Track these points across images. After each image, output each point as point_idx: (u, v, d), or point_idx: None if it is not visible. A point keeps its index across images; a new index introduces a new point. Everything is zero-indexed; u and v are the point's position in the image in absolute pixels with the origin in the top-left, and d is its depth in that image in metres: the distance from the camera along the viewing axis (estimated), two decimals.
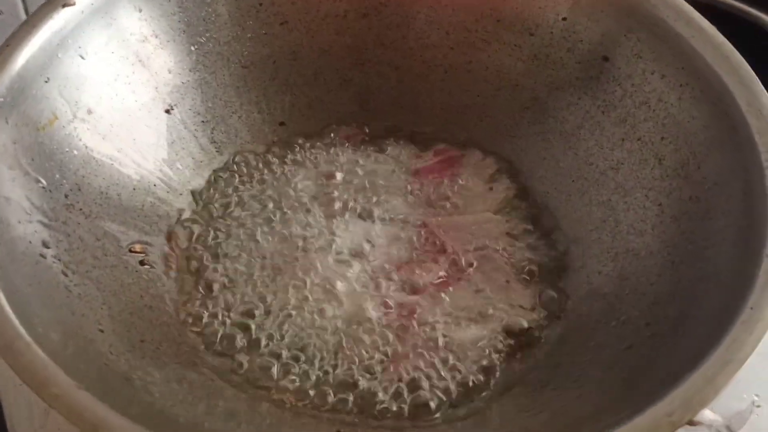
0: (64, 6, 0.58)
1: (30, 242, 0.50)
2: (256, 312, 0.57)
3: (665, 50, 0.60)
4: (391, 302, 0.58)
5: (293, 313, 0.57)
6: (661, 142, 0.59)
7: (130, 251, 0.57)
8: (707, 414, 0.57)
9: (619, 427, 0.40)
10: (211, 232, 0.63)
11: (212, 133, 0.68)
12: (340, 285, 0.59)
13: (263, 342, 0.56)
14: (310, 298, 0.58)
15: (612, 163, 0.62)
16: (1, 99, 0.52)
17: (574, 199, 0.63)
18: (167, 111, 0.65)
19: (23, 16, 0.87)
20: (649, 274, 0.54)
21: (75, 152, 0.57)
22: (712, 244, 0.52)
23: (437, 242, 0.62)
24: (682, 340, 0.47)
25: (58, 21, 0.57)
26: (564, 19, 0.66)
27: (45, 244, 0.51)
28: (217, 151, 0.68)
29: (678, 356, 0.46)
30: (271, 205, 0.65)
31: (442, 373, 0.55)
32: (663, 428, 0.39)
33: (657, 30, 0.60)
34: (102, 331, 0.50)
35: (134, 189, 0.61)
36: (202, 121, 0.68)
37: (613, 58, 0.63)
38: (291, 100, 0.71)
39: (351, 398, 0.53)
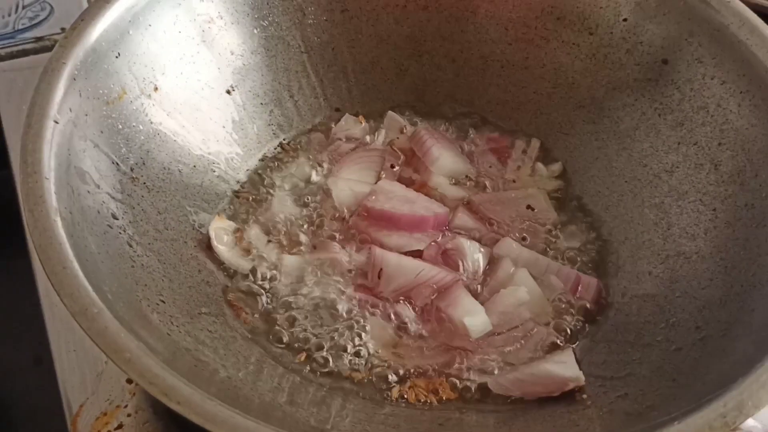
0: None
1: (98, 212, 0.52)
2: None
3: (726, 56, 0.60)
4: None
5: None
6: (718, 148, 0.59)
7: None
8: (749, 421, 0.57)
9: (672, 425, 0.40)
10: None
11: (270, 115, 0.69)
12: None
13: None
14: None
15: (666, 166, 0.62)
16: (76, 71, 0.54)
17: (626, 200, 0.64)
18: (228, 92, 0.66)
19: None
20: (700, 278, 0.55)
21: (141, 127, 0.59)
22: (766, 252, 0.52)
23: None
24: (733, 344, 0.47)
25: None
26: (625, 20, 0.66)
27: (112, 215, 0.53)
28: (273, 134, 0.69)
29: (729, 360, 0.47)
30: None
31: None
32: (717, 429, 0.40)
33: (719, 36, 0.60)
34: (164, 301, 0.51)
35: (194, 166, 0.63)
36: (261, 103, 0.69)
37: (673, 61, 0.63)
38: (347, 87, 0.72)
39: None
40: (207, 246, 0.60)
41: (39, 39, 0.89)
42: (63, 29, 0.89)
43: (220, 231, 0.61)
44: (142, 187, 0.57)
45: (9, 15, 0.89)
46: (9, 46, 0.89)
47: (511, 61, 0.71)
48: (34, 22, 0.89)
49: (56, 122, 0.51)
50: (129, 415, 0.57)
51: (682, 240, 0.58)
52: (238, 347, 0.53)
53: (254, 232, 0.62)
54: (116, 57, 0.58)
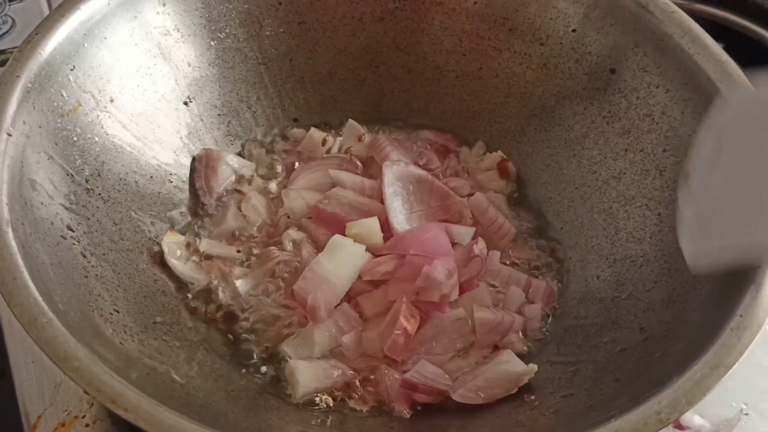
0: None
1: (52, 224, 0.52)
2: None
3: (670, 65, 0.62)
4: None
5: None
6: (663, 154, 0.61)
7: None
8: (696, 419, 0.59)
9: (609, 423, 0.42)
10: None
11: (228, 126, 0.70)
12: None
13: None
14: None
15: (614, 172, 0.64)
16: (30, 84, 0.54)
17: (576, 206, 0.65)
18: (185, 103, 0.67)
19: (44, 3, 0.90)
20: (645, 281, 0.56)
21: (96, 139, 0.60)
22: None
23: None
24: (674, 344, 0.49)
25: (85, 11, 0.59)
26: (574, 30, 0.67)
27: (66, 226, 0.53)
28: (231, 144, 0.70)
29: (670, 360, 0.48)
30: None
31: None
32: (651, 426, 0.41)
33: (663, 45, 0.62)
34: (117, 311, 0.52)
35: (151, 177, 0.63)
36: (219, 114, 0.70)
37: (620, 70, 0.65)
38: (305, 98, 0.73)
39: None
40: (162, 257, 0.60)
41: (0, 52, 0.89)
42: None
43: (173, 245, 0.61)
44: (97, 198, 0.58)
45: None
46: None
47: (465, 71, 0.73)
48: None
49: (9, 135, 0.51)
50: (87, 426, 0.58)
51: (629, 244, 0.60)
52: (193, 355, 0.54)
53: (205, 244, 0.63)
54: (71, 69, 0.58)
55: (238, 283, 0.60)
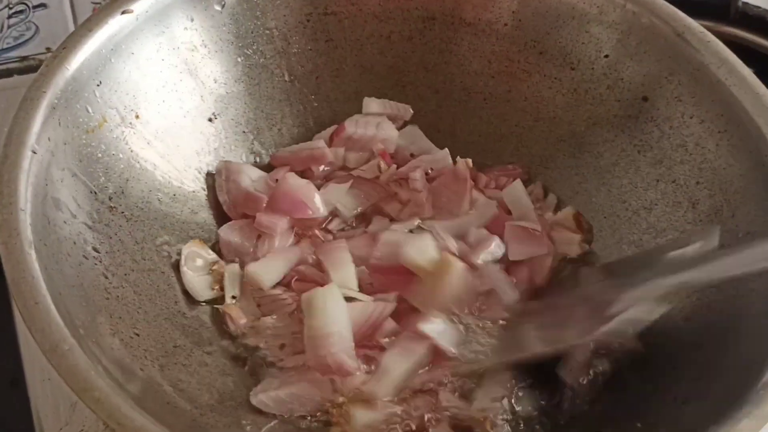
0: (123, 12, 0.59)
1: (74, 243, 0.51)
2: None
3: (706, 96, 0.60)
4: None
5: None
6: (696, 186, 0.60)
7: None
8: None
9: None
10: None
11: (252, 144, 0.69)
12: None
13: None
14: None
15: (645, 203, 0.62)
16: (56, 100, 0.54)
17: (605, 236, 0.64)
18: (210, 120, 0.66)
19: (68, 10, 0.89)
20: (676, 318, 0.55)
21: (121, 156, 0.59)
22: (741, 294, 0.52)
23: None
24: (708, 386, 0.47)
25: (113, 26, 0.59)
26: (606, 56, 0.66)
27: (89, 246, 0.53)
28: (255, 163, 0.69)
29: (707, 405, 0.47)
30: None
31: None
32: None
33: (699, 75, 0.61)
34: (138, 335, 0.51)
35: (174, 195, 0.63)
36: (243, 131, 0.69)
37: (653, 98, 0.64)
38: (331, 116, 0.72)
39: None
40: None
41: (24, 59, 0.89)
42: (48, 49, 0.89)
43: (194, 254, 0.60)
44: (120, 217, 0.57)
45: None
46: None
47: (493, 93, 0.71)
48: (19, 41, 0.89)
49: (34, 152, 0.51)
50: None
51: None
52: (213, 381, 0.53)
53: (232, 272, 0.61)
54: (97, 85, 0.58)
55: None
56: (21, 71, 0.88)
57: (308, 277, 0.61)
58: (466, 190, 0.66)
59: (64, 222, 0.52)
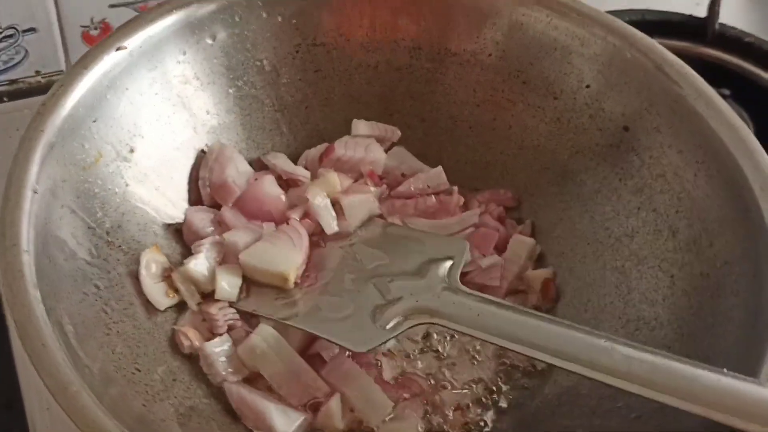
0: (117, 49, 0.60)
1: (75, 280, 0.53)
2: None
3: (684, 127, 0.62)
4: None
5: None
6: (675, 215, 0.62)
7: None
8: None
9: None
10: None
11: None
12: None
13: None
14: None
15: (627, 230, 0.65)
16: (54, 139, 0.55)
17: (588, 262, 0.66)
18: (203, 151, 0.68)
19: (58, 34, 0.90)
20: (658, 345, 0.56)
21: (117, 190, 0.60)
22: (720, 322, 0.55)
23: None
24: (690, 415, 0.49)
25: (107, 63, 0.60)
26: (588, 86, 0.68)
27: (88, 282, 0.54)
28: None
29: (686, 430, 0.49)
30: None
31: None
32: None
33: (677, 107, 0.63)
34: (139, 370, 0.52)
35: (168, 226, 0.64)
36: None
37: (634, 128, 0.66)
38: (319, 144, 0.74)
39: None
40: (180, 308, 0.60)
41: (13, 82, 0.90)
42: (38, 72, 0.90)
43: (151, 262, 0.60)
44: (117, 251, 0.58)
45: None
46: None
47: (479, 122, 0.73)
48: (8, 65, 0.90)
49: (35, 192, 0.52)
50: None
51: (642, 305, 0.61)
52: (213, 416, 0.54)
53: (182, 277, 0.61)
54: (93, 122, 0.59)
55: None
56: (11, 95, 0.89)
57: None
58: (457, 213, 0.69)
59: (65, 260, 0.53)
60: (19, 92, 0.89)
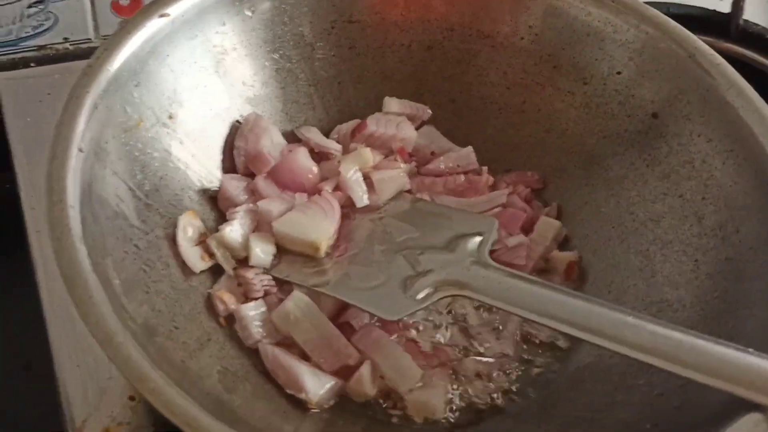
0: (161, 16, 0.61)
1: (117, 239, 0.54)
2: None
3: (714, 116, 0.63)
4: None
5: None
6: (702, 202, 0.63)
7: None
8: None
9: None
10: None
11: None
12: None
13: None
14: None
15: (652, 215, 0.66)
16: (98, 100, 0.56)
17: (613, 245, 0.67)
18: (238, 122, 0.69)
19: (87, 1, 0.90)
20: (681, 326, 0.58)
21: (156, 155, 0.61)
22: (744, 306, 0.56)
23: None
24: (712, 393, 0.50)
25: (150, 29, 0.61)
26: (618, 73, 0.69)
27: (129, 242, 0.55)
28: None
29: (708, 409, 0.50)
30: None
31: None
32: None
33: (708, 96, 0.64)
34: (177, 328, 0.54)
35: (204, 192, 0.65)
36: None
37: (663, 116, 0.67)
38: (351, 120, 0.75)
39: None
40: (214, 273, 0.62)
41: (41, 48, 0.91)
42: (66, 39, 0.91)
43: (188, 226, 0.61)
44: (155, 214, 0.59)
45: (13, 23, 0.90)
46: (11, 53, 0.90)
47: (508, 104, 0.74)
48: (37, 30, 0.91)
49: (81, 150, 0.53)
50: None
51: (665, 288, 0.62)
52: (247, 377, 0.56)
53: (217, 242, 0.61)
54: (135, 86, 0.60)
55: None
56: (39, 61, 0.89)
57: None
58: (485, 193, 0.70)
59: (107, 218, 0.54)
60: (46, 58, 0.90)
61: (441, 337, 0.62)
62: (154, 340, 0.49)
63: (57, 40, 0.91)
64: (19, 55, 0.90)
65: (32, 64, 0.89)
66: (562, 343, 0.62)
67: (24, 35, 0.90)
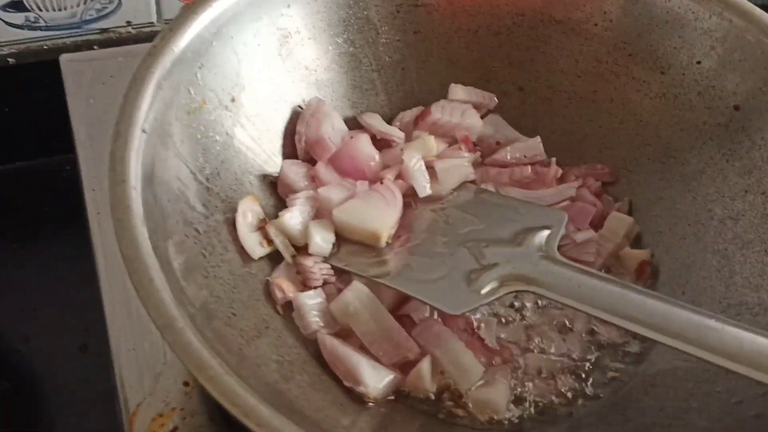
0: None
1: (177, 222, 0.53)
2: None
3: None
4: None
5: None
6: None
7: None
8: None
9: None
10: None
11: None
12: None
13: None
14: None
15: (732, 212, 0.62)
16: (162, 81, 0.55)
17: (688, 243, 0.64)
18: (300, 107, 0.67)
19: None
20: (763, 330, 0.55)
21: (217, 138, 0.60)
22: None
23: None
24: None
25: (216, 9, 0.60)
26: (699, 62, 0.66)
27: (189, 225, 0.54)
28: None
29: None
30: None
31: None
32: None
33: None
34: (234, 314, 0.52)
35: (264, 177, 0.64)
36: None
37: (746, 108, 0.63)
38: (414, 107, 0.73)
39: None
40: (272, 261, 0.61)
41: (104, 31, 0.91)
42: (128, 23, 0.91)
43: (248, 211, 0.60)
44: (215, 198, 0.58)
45: (77, 5, 0.90)
46: (75, 36, 0.91)
47: (579, 93, 0.71)
48: (101, 13, 0.91)
49: (144, 131, 0.52)
50: (185, 419, 0.58)
51: (745, 290, 0.58)
52: (303, 367, 0.54)
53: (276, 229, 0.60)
54: (199, 67, 0.59)
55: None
56: (101, 44, 0.90)
57: None
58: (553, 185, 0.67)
59: (168, 201, 0.53)
60: (109, 41, 0.90)
61: (505, 333, 0.60)
62: (212, 325, 0.48)
63: (120, 24, 0.92)
64: (83, 38, 0.91)
65: (95, 47, 0.90)
66: (632, 347, 0.59)
67: (88, 18, 0.91)
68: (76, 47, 0.90)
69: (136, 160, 0.50)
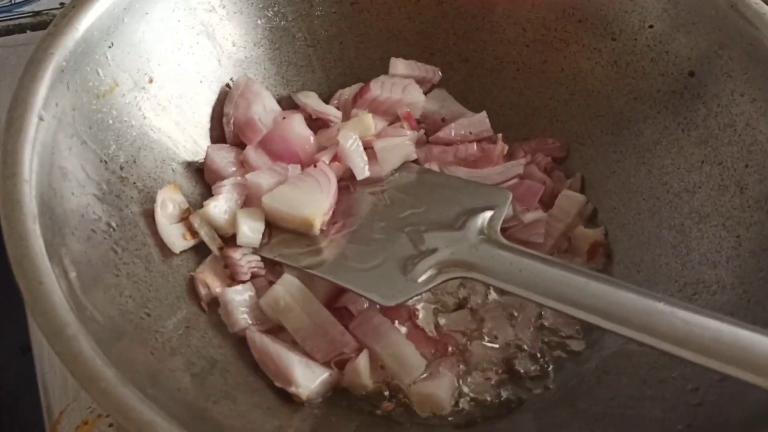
0: None
1: (82, 216, 0.48)
2: None
3: (759, 73, 0.56)
4: None
5: None
6: (744, 170, 0.56)
7: None
8: None
9: None
10: None
11: None
12: None
13: None
14: None
15: (688, 185, 0.59)
16: (64, 63, 0.50)
17: (643, 219, 0.60)
18: (228, 86, 0.63)
19: None
20: (720, 311, 0.51)
21: (133, 122, 0.56)
22: None
23: None
24: (754, 390, 0.44)
25: None
26: (651, 26, 0.62)
27: (98, 219, 0.50)
28: None
29: (748, 407, 0.43)
30: None
31: None
32: None
33: (752, 50, 0.56)
34: (149, 314, 0.48)
35: (189, 164, 0.59)
36: None
37: (701, 74, 0.59)
38: (354, 84, 0.68)
39: None
40: (198, 254, 0.56)
41: (37, 14, 0.87)
42: (62, 4, 0.87)
43: (168, 201, 0.56)
44: (131, 188, 0.54)
45: None
46: (6, 20, 0.86)
47: (527, 63, 0.67)
48: None
49: (41, 118, 0.47)
50: (111, 425, 0.55)
51: (702, 267, 0.55)
52: (228, 368, 0.50)
53: (202, 220, 0.56)
54: (109, 47, 0.54)
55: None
56: (34, 27, 0.85)
57: None
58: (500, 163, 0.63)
59: (72, 193, 0.48)
60: (42, 24, 0.86)
61: (448, 321, 0.56)
62: (118, 330, 0.44)
63: (53, 5, 0.87)
64: (15, 22, 0.86)
65: (28, 31, 0.85)
66: (584, 334, 0.56)
67: (19, 1, 0.86)
68: (8, 31, 0.85)
69: (31, 150, 0.46)
